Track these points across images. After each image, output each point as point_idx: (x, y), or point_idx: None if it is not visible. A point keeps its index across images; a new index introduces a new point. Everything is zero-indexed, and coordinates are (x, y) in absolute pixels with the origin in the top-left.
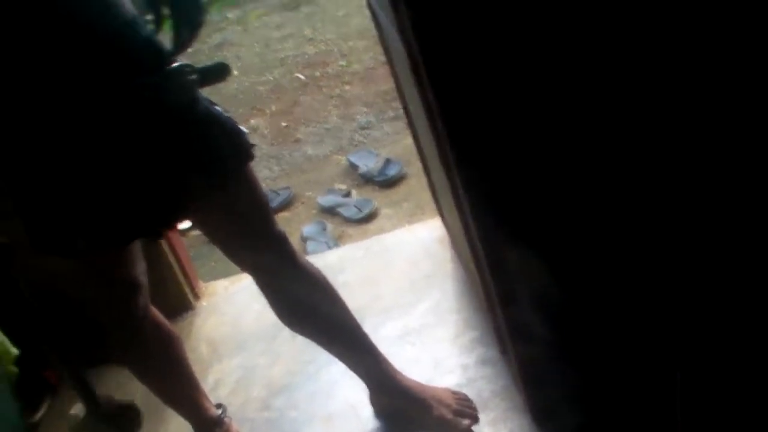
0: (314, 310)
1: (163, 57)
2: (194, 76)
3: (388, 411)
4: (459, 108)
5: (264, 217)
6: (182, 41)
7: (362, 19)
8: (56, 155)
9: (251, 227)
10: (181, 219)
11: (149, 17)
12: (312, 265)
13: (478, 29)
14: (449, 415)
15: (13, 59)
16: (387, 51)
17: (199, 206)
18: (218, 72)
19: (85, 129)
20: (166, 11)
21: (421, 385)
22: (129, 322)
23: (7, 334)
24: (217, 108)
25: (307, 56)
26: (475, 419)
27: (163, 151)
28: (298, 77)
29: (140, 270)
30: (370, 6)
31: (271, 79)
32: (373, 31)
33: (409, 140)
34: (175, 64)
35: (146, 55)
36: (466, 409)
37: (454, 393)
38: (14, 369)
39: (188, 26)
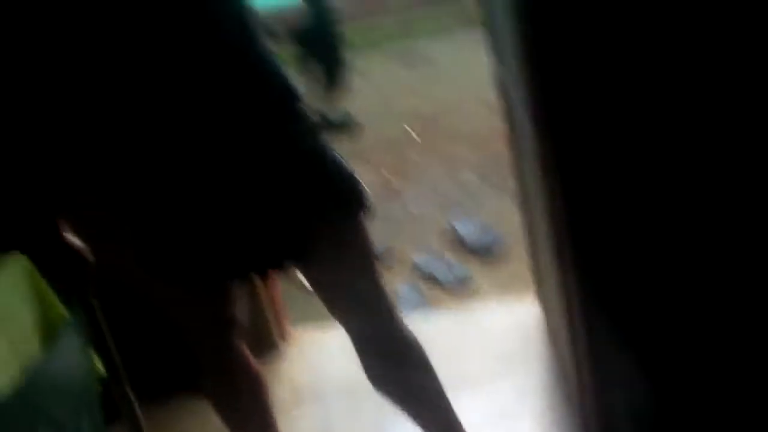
0: (405, 375)
1: (297, 100)
2: (323, 123)
3: None
4: (583, 199)
5: (370, 271)
6: (327, 92)
7: (479, 83)
8: (179, 183)
9: (356, 279)
10: (289, 261)
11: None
12: (409, 329)
13: (612, 123)
14: None
15: (146, 88)
16: (510, 123)
17: (308, 251)
18: (346, 125)
19: (211, 160)
20: (312, 62)
21: None
22: (220, 356)
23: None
24: (338, 156)
25: (420, 112)
26: None
27: (281, 192)
28: (409, 132)
29: (239, 308)
30: (498, 77)
31: (382, 130)
32: (489, 96)
33: (513, 212)
34: (307, 109)
35: (281, 95)
36: None
37: None
38: (98, 387)
39: (333, 79)
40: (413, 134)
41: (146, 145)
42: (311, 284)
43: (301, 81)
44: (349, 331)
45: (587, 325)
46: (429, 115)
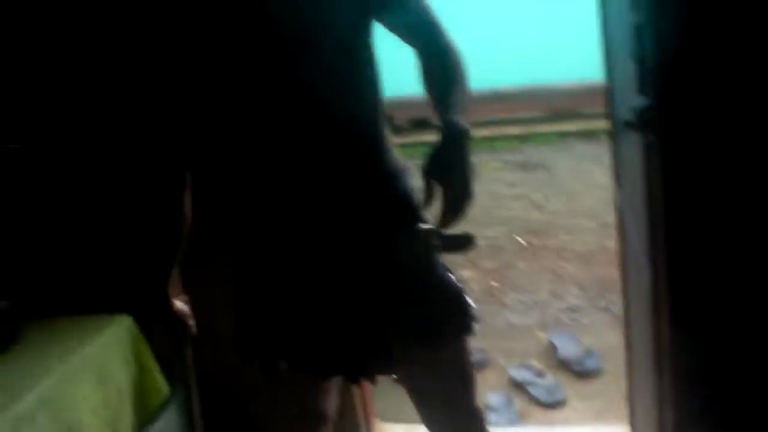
0: None
1: (415, 215)
2: (439, 242)
3: None
4: (691, 333)
5: (467, 393)
6: (447, 217)
7: (593, 199)
8: (288, 281)
9: (452, 399)
10: (386, 373)
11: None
12: None
13: (729, 262)
14: None
15: (267, 179)
16: (622, 245)
17: (406, 365)
18: (463, 243)
19: (322, 264)
20: (437, 187)
21: None
22: None
23: None
24: (451, 276)
25: (531, 222)
26: None
27: (386, 305)
28: (518, 241)
29: (332, 404)
30: (616, 198)
31: (492, 235)
32: (601, 215)
33: (614, 336)
34: (424, 226)
35: (400, 209)
36: None
37: None
38: None
39: (456, 208)
40: (523, 243)
41: (263, 237)
42: (404, 388)
43: (422, 197)
44: None
45: None
46: (539, 225)
